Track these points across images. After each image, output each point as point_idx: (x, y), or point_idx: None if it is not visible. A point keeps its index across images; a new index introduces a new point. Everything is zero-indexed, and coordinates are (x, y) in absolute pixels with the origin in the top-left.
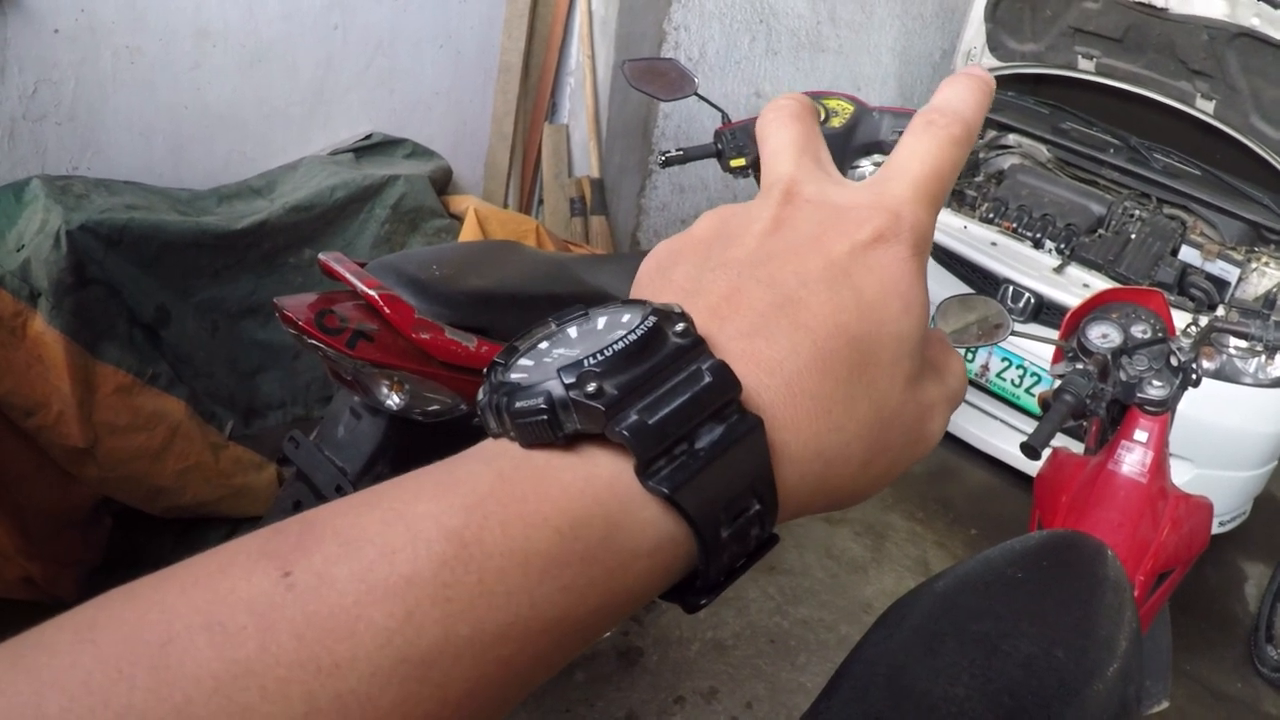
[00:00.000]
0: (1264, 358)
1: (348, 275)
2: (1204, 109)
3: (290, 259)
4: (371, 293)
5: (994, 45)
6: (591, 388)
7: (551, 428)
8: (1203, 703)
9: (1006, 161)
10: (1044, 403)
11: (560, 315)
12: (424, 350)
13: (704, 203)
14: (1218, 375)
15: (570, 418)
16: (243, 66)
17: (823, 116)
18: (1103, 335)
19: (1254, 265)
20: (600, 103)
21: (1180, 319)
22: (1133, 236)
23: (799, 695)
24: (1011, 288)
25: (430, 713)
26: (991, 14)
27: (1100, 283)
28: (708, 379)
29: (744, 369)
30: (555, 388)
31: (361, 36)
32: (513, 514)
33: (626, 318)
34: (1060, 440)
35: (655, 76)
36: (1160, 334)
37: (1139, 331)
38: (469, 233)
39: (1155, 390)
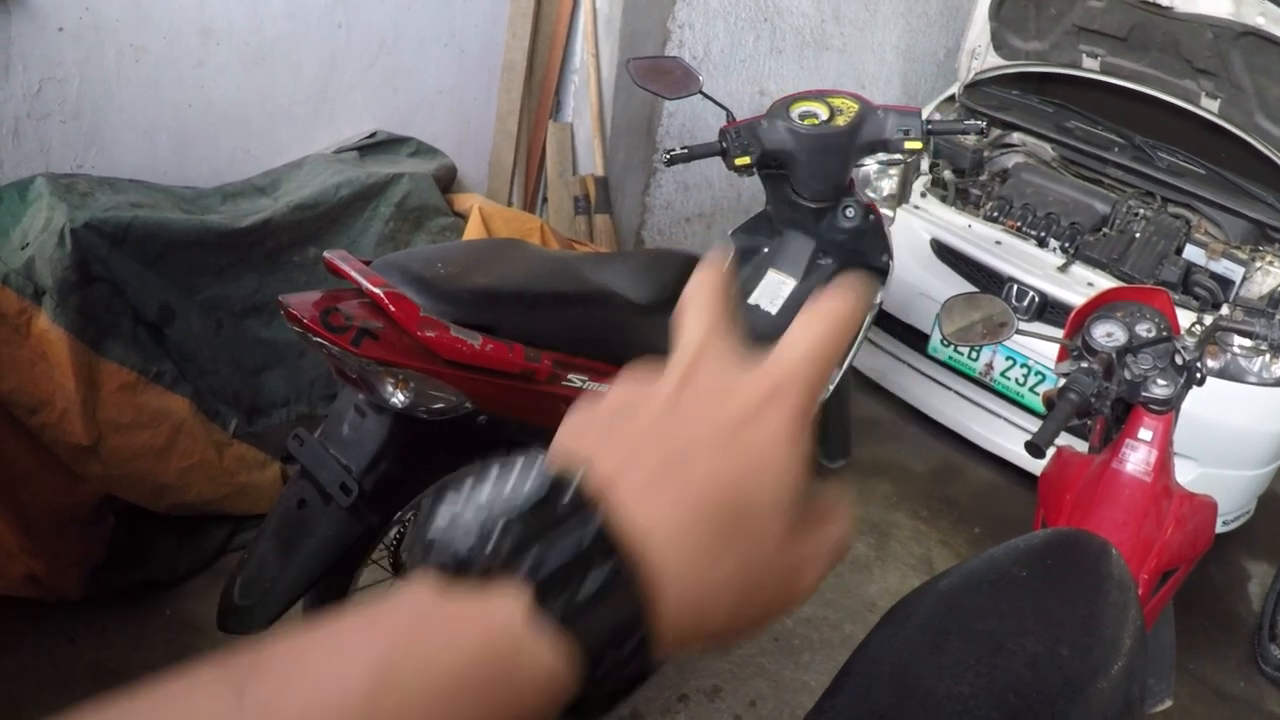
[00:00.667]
0: (1269, 357)
1: (353, 273)
2: (1209, 108)
3: (295, 257)
4: (377, 290)
5: (998, 44)
6: (493, 544)
7: (461, 574)
8: (1206, 702)
9: (1011, 160)
10: (1048, 401)
11: (473, 470)
12: (429, 348)
13: (708, 201)
14: (1222, 374)
15: (476, 569)
16: (247, 65)
17: (828, 115)
18: (1107, 334)
19: (1258, 264)
20: (605, 101)
21: (1185, 318)
22: (1137, 235)
23: (803, 694)
24: (1016, 286)
25: None
26: (996, 12)
27: (1105, 281)
28: (597, 530)
29: (633, 521)
30: (463, 545)
31: (365, 35)
32: (426, 649)
33: (532, 475)
34: (1064, 439)
35: (660, 75)
36: (1165, 333)
37: (1144, 330)
38: (473, 231)
39: (1160, 389)
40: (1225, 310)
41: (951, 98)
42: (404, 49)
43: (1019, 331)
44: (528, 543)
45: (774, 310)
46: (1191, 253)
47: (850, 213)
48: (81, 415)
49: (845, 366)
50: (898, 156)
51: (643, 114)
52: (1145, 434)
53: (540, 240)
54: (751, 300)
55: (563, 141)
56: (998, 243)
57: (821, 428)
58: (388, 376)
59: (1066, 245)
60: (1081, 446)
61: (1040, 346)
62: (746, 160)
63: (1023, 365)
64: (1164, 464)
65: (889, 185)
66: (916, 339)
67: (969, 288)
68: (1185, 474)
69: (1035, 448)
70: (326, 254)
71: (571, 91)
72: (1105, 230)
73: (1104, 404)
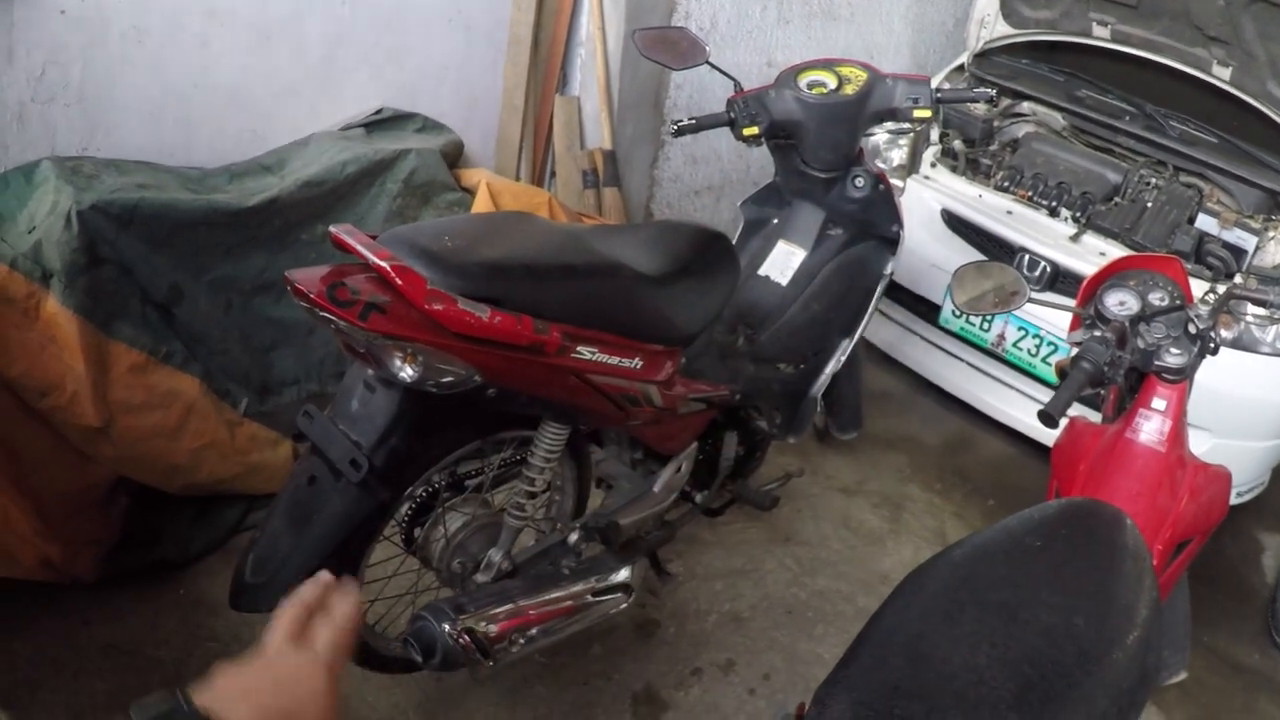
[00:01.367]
0: None
1: (359, 247)
2: (1220, 75)
3: (302, 235)
4: (383, 264)
5: (1008, 12)
6: None
7: None
8: (1220, 673)
9: (1021, 129)
10: (1061, 371)
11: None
12: (437, 321)
13: (716, 174)
14: (1235, 344)
15: None
16: (251, 44)
17: (836, 84)
18: (1120, 302)
19: (1271, 233)
20: (611, 74)
21: (1197, 287)
22: (1149, 204)
23: (816, 666)
24: (1028, 256)
25: None
26: None
27: (1117, 251)
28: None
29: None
30: None
31: (370, 12)
32: None
33: None
34: (1078, 409)
35: (666, 46)
36: (1178, 301)
37: (1157, 299)
38: (481, 206)
39: (1173, 358)
40: (1238, 279)
41: (961, 67)
42: (409, 25)
43: (1031, 300)
44: None
45: (784, 281)
46: (1204, 222)
47: (860, 182)
48: (92, 397)
49: (856, 338)
50: (906, 125)
51: (650, 86)
52: (1159, 403)
53: (548, 214)
54: (761, 272)
55: (570, 115)
56: (1009, 213)
57: (833, 400)
58: (396, 350)
59: (1078, 215)
60: (1095, 417)
61: (1052, 316)
62: (755, 130)
63: (1035, 336)
64: (1178, 434)
65: (899, 156)
66: (928, 310)
67: (980, 258)
68: (1199, 445)
69: (1048, 417)
70: (333, 228)
71: (578, 65)
72: (1117, 200)
73: (1117, 373)
